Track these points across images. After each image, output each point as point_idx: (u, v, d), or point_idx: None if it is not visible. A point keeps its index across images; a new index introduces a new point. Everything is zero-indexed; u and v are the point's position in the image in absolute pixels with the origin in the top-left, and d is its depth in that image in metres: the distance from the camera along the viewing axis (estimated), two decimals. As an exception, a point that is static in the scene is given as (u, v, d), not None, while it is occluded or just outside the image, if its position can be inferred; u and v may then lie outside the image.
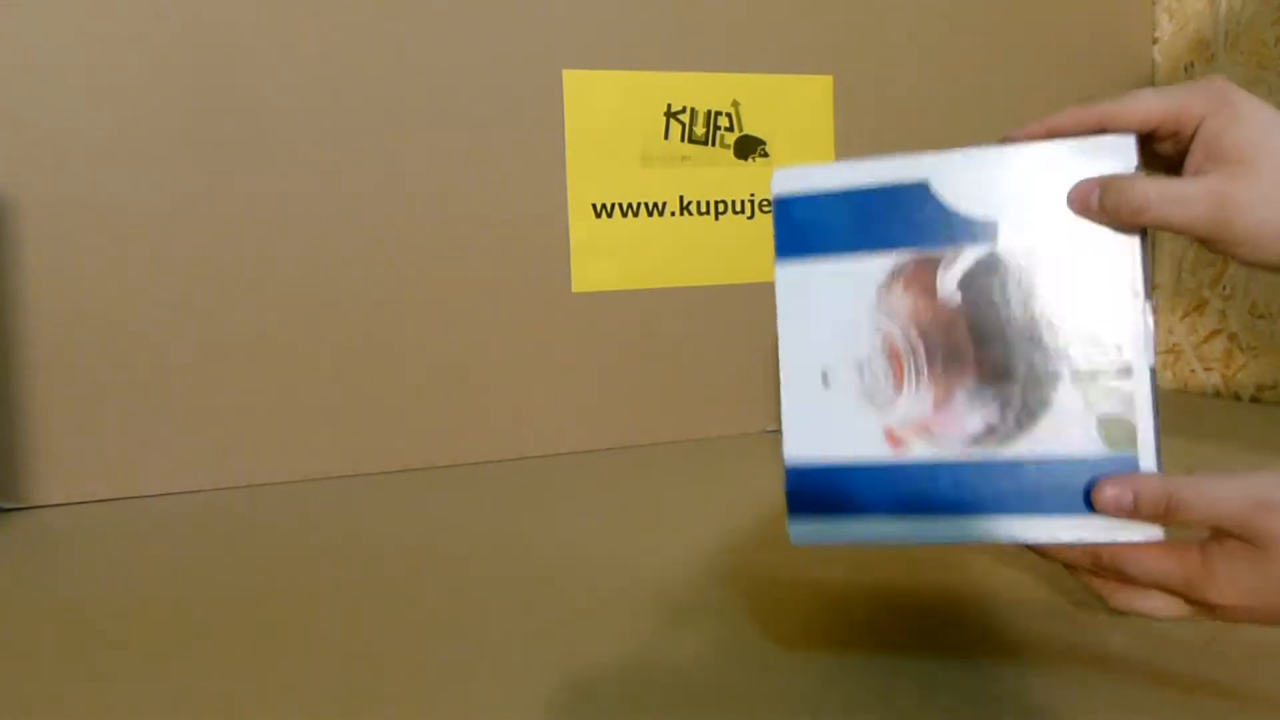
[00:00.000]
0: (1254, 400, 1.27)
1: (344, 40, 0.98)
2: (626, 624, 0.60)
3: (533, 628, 0.60)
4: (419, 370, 1.03)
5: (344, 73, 0.98)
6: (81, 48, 0.91)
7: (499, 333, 1.05)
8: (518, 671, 0.54)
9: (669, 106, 1.09)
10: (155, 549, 0.78)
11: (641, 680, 0.52)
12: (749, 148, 1.11)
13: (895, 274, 0.44)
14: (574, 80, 1.05)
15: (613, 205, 1.08)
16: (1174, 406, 1.23)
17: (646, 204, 1.09)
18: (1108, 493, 0.42)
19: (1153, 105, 0.44)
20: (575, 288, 1.07)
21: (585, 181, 1.06)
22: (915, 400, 0.44)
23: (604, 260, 1.08)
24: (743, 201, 1.12)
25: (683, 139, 1.09)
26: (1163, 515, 0.42)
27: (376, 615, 0.63)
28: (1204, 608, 0.42)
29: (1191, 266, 1.34)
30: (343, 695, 0.52)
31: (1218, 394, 1.31)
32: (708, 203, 1.11)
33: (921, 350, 0.44)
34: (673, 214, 1.10)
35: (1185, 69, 1.34)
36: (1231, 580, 0.41)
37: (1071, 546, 0.44)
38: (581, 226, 1.06)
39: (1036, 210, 0.43)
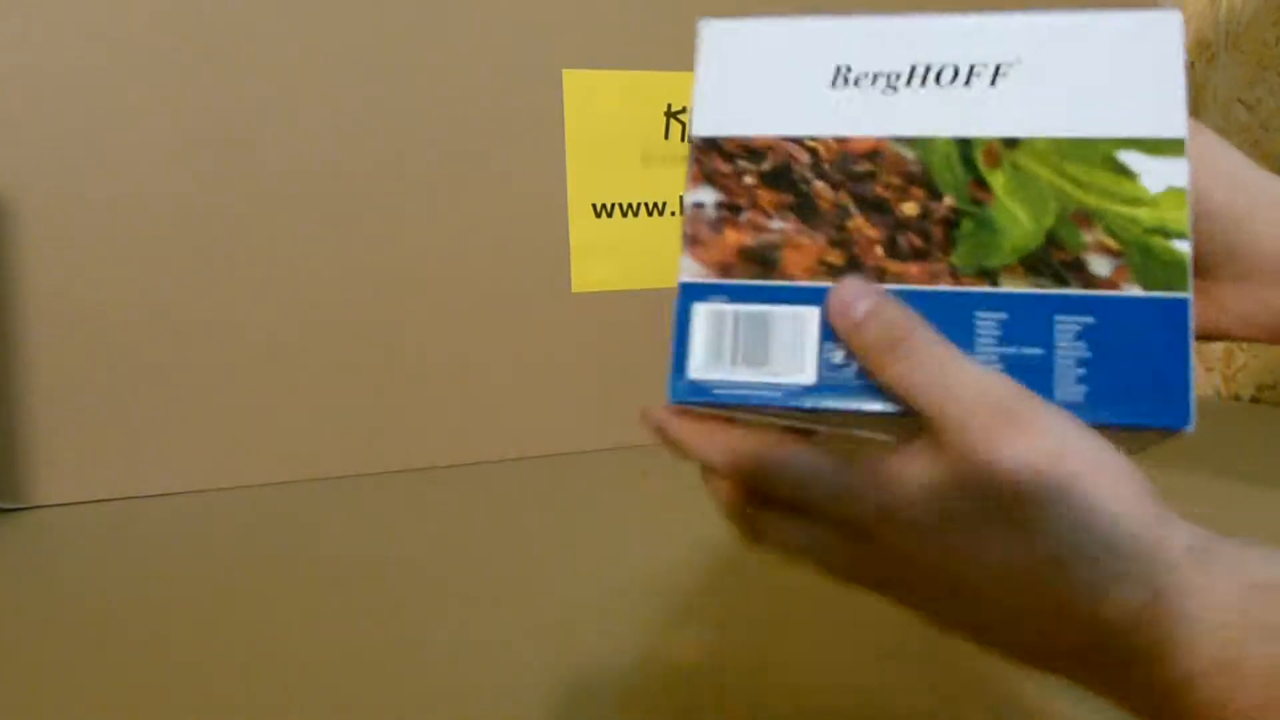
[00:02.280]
0: (1254, 400, 1.27)
1: (344, 41, 0.98)
2: (626, 624, 0.60)
3: (533, 627, 0.60)
4: (419, 370, 1.03)
5: (344, 73, 0.98)
6: (82, 48, 0.91)
7: (499, 332, 1.05)
8: (518, 671, 0.54)
9: (669, 106, 1.09)
10: (155, 549, 0.78)
11: (642, 680, 0.52)
12: (749, 148, 1.11)
13: None
14: (574, 80, 1.05)
15: (613, 205, 1.08)
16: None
17: (646, 204, 1.09)
18: (840, 294, 0.33)
19: None
20: (575, 288, 1.07)
21: (585, 181, 1.06)
22: None
23: (604, 260, 1.08)
24: (743, 201, 1.12)
25: (683, 139, 1.09)
26: (887, 364, 0.32)
27: (377, 614, 0.63)
28: (885, 570, 0.32)
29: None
30: (343, 695, 0.52)
31: (1218, 394, 1.31)
32: (708, 203, 1.10)
33: None
34: (672, 214, 1.10)
35: (1187, 69, 1.34)
36: (959, 538, 0.30)
37: (736, 409, 0.35)
38: (581, 226, 1.06)
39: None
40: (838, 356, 0.33)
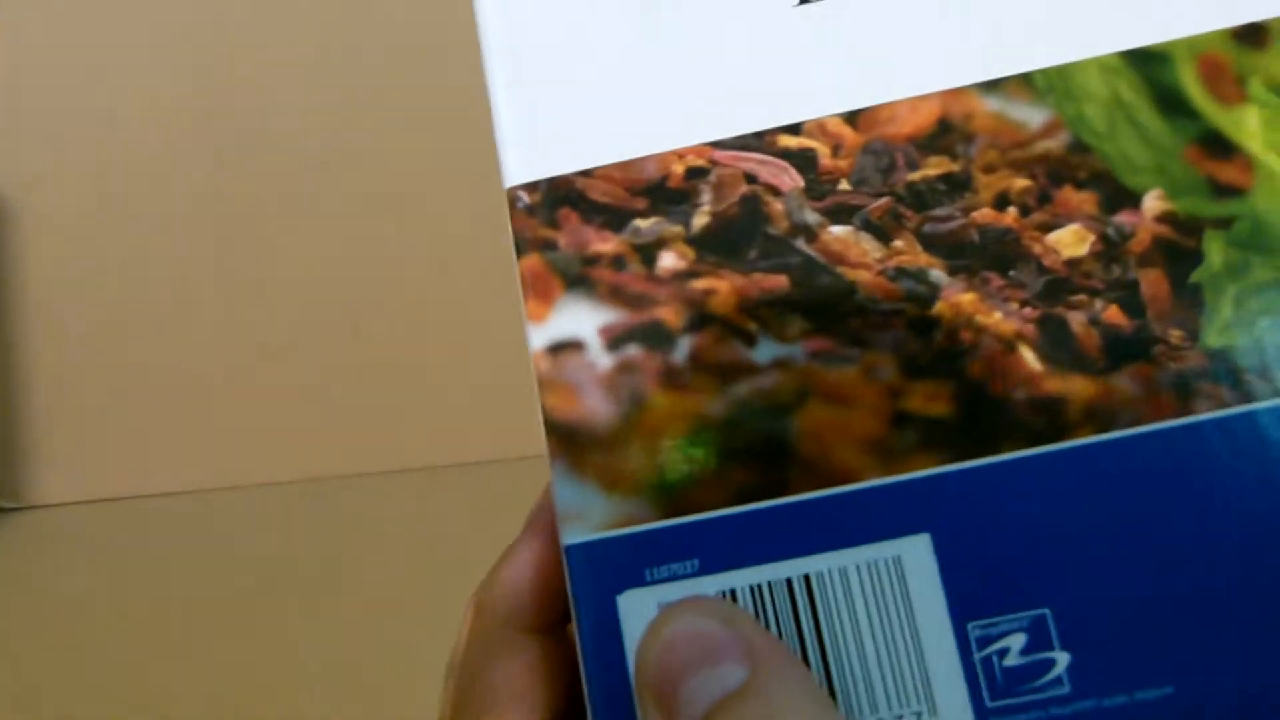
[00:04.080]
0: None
1: (345, 41, 0.97)
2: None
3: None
4: (419, 370, 1.03)
5: (345, 73, 0.97)
6: (82, 48, 0.90)
7: (498, 332, 1.05)
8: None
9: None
10: (155, 549, 0.78)
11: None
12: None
13: None
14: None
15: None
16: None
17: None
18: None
19: None
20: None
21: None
22: None
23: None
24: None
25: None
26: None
27: (377, 614, 0.63)
28: None
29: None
30: (344, 695, 0.52)
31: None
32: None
33: None
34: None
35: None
36: None
37: None
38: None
39: None
40: (1013, 657, 0.18)
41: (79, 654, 0.59)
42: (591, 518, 0.18)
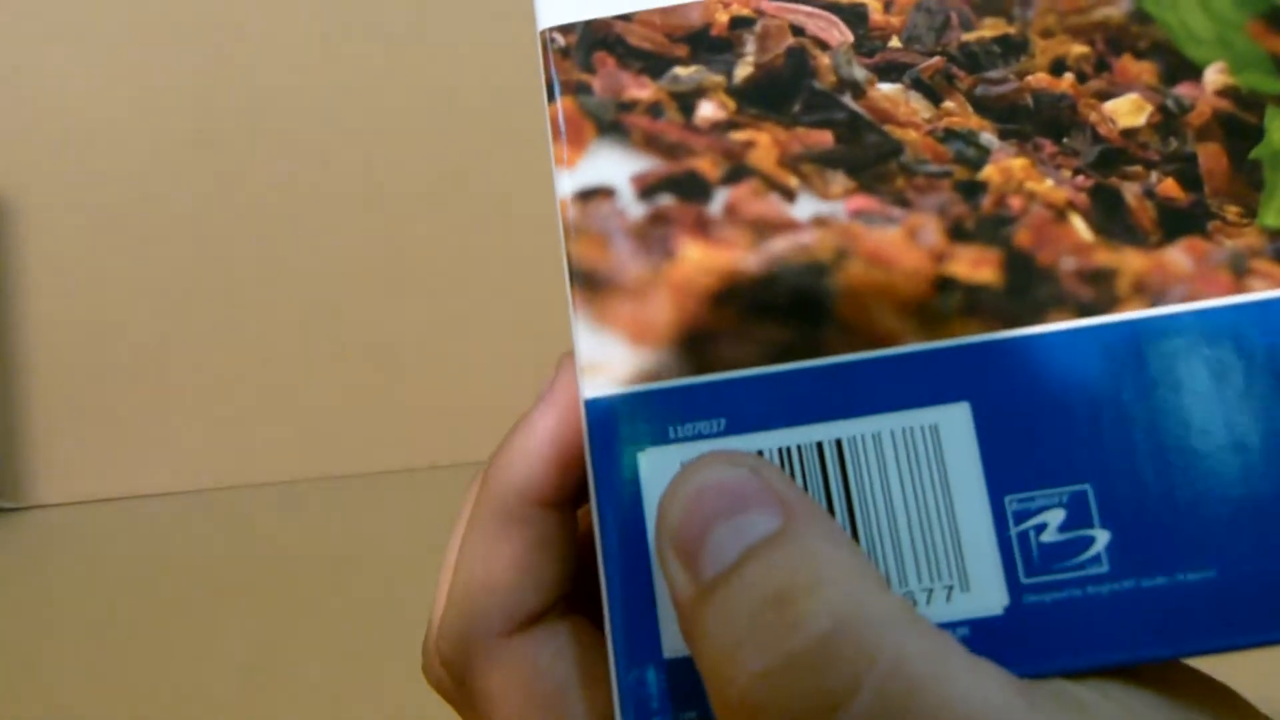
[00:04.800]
0: None
1: (347, 40, 0.98)
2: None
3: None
4: (419, 369, 1.02)
5: (346, 73, 0.98)
6: (82, 48, 0.91)
7: (498, 332, 1.05)
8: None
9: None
10: (155, 549, 0.78)
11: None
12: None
13: None
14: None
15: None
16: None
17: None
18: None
19: None
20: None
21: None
22: None
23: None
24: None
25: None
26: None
27: (378, 614, 0.62)
28: None
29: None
30: (344, 695, 0.51)
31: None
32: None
33: None
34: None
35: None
36: None
37: None
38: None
39: None
40: (1050, 533, 0.17)
41: (79, 654, 0.58)
42: (614, 371, 0.18)
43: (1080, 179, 0.18)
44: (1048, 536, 0.17)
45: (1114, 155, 0.18)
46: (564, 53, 0.19)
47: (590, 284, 0.18)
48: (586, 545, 0.20)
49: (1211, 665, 0.17)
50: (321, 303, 0.98)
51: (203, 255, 0.94)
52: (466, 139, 1.01)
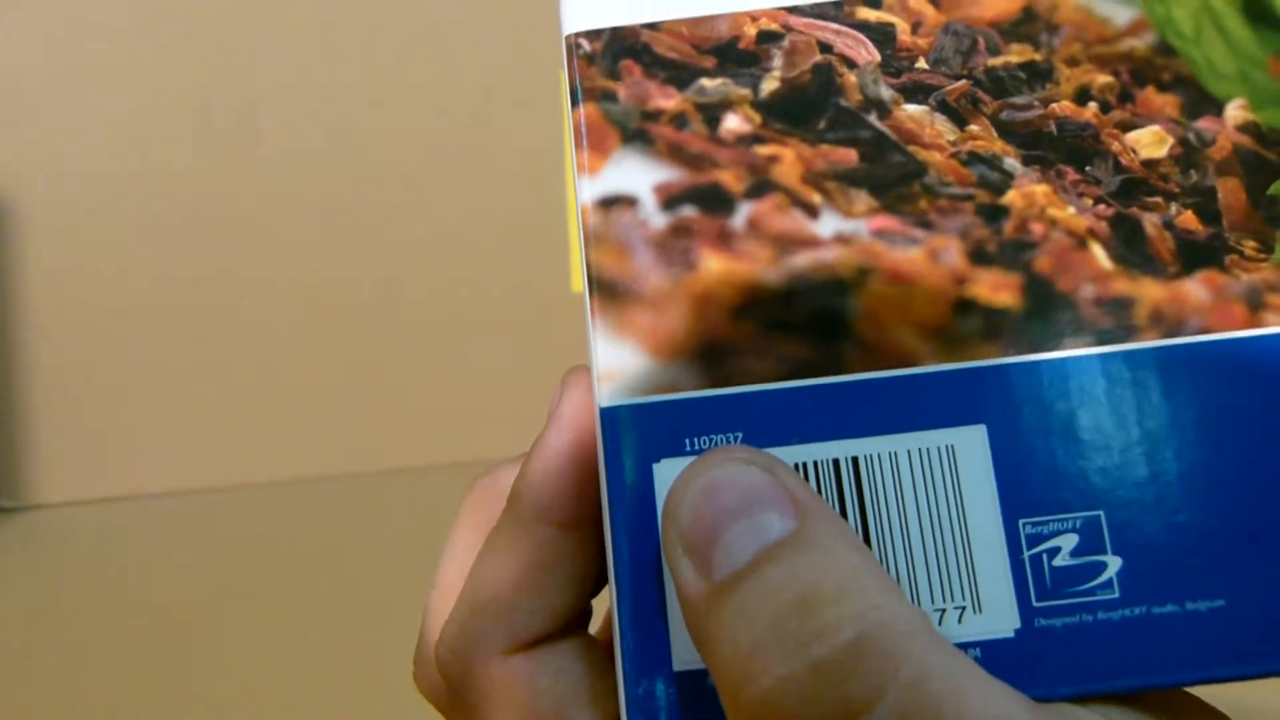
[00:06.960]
0: None
1: (346, 41, 0.98)
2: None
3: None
4: (419, 369, 1.02)
5: (345, 73, 0.98)
6: (82, 48, 0.91)
7: (498, 332, 1.04)
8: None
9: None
10: (155, 549, 0.78)
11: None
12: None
13: None
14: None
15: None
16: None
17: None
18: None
19: None
20: (575, 287, 1.06)
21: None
22: None
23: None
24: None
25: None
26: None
27: (379, 614, 0.62)
28: None
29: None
30: (344, 695, 0.51)
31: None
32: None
33: None
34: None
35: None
36: None
37: None
38: (586, 229, 1.06)
39: None
40: (1063, 558, 0.17)
41: (79, 654, 0.58)
42: (631, 381, 0.18)
43: (1101, 208, 0.18)
44: (1060, 561, 0.17)
45: (1135, 185, 0.18)
46: (589, 59, 0.19)
47: (609, 293, 0.18)
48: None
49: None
50: (321, 303, 0.98)
51: (203, 255, 0.95)
52: (467, 139, 1.02)
